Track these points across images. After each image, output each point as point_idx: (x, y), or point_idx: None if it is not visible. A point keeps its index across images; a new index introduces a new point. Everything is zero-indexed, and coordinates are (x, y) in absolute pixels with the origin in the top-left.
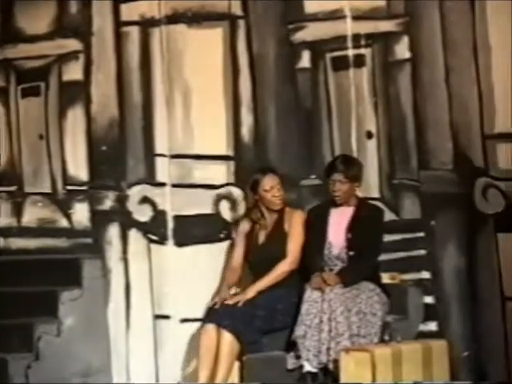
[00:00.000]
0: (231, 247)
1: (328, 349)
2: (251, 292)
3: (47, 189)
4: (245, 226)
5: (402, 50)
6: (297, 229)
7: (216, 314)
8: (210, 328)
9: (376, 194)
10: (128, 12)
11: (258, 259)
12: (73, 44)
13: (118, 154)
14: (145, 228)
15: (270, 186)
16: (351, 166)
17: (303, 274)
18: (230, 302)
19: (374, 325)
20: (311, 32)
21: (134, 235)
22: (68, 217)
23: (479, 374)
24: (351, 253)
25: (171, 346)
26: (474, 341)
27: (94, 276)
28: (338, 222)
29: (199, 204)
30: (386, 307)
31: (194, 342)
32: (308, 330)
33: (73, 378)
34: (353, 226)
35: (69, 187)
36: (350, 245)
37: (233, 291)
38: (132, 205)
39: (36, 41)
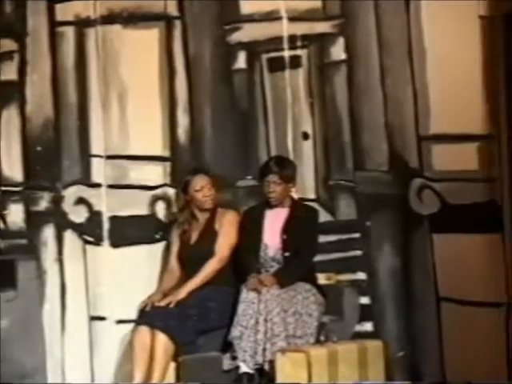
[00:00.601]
0: (167, 249)
1: (264, 350)
2: (182, 293)
3: None
4: (178, 228)
5: (338, 52)
6: (227, 227)
7: (148, 316)
8: (144, 329)
9: (312, 195)
10: (63, 12)
11: (190, 259)
12: (7, 44)
13: (53, 155)
14: (80, 229)
15: (200, 185)
16: (285, 167)
17: (239, 275)
18: (162, 303)
19: (310, 325)
20: (247, 33)
21: (69, 236)
22: (2, 218)
23: (414, 374)
24: (287, 254)
25: (107, 347)
26: (409, 341)
27: (29, 277)
28: (273, 223)
29: (135, 205)
30: (322, 308)
31: (129, 343)
32: (244, 330)
33: (8, 380)
34: (288, 227)
35: (3, 188)
36: (285, 246)
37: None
38: (67, 206)
39: None
